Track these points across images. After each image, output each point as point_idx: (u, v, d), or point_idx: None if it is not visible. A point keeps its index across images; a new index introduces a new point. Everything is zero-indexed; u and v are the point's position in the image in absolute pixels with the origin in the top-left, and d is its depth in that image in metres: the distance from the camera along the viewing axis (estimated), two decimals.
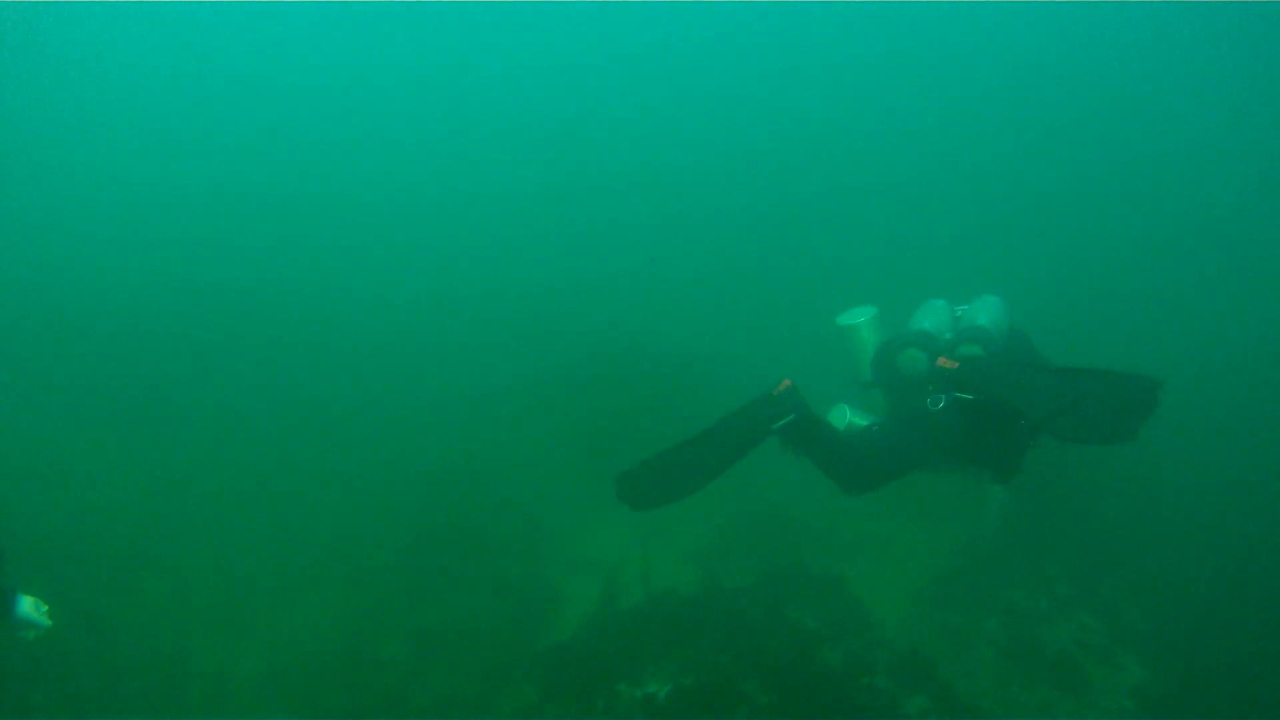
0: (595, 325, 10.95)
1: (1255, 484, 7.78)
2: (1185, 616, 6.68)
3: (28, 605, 3.59)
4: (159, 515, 7.38)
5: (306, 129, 18.93)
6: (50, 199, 14.43)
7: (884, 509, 7.97)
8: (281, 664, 6.26)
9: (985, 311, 5.54)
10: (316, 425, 9.05)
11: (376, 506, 7.74)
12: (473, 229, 15.21)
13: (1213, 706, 5.69)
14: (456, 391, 9.85)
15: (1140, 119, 16.38)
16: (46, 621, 3.64)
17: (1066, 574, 7.13)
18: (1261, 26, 15.20)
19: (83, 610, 6.07)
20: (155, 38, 19.11)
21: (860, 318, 5.60)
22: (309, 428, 9.03)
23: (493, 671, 6.02)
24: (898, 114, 18.65)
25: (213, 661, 6.27)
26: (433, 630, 6.40)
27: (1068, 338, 6.35)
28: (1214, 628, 6.53)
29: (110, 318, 10.53)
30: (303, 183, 16.63)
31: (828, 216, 14.90)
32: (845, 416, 5.28)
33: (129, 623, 6.28)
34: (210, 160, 16.65)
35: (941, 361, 4.74)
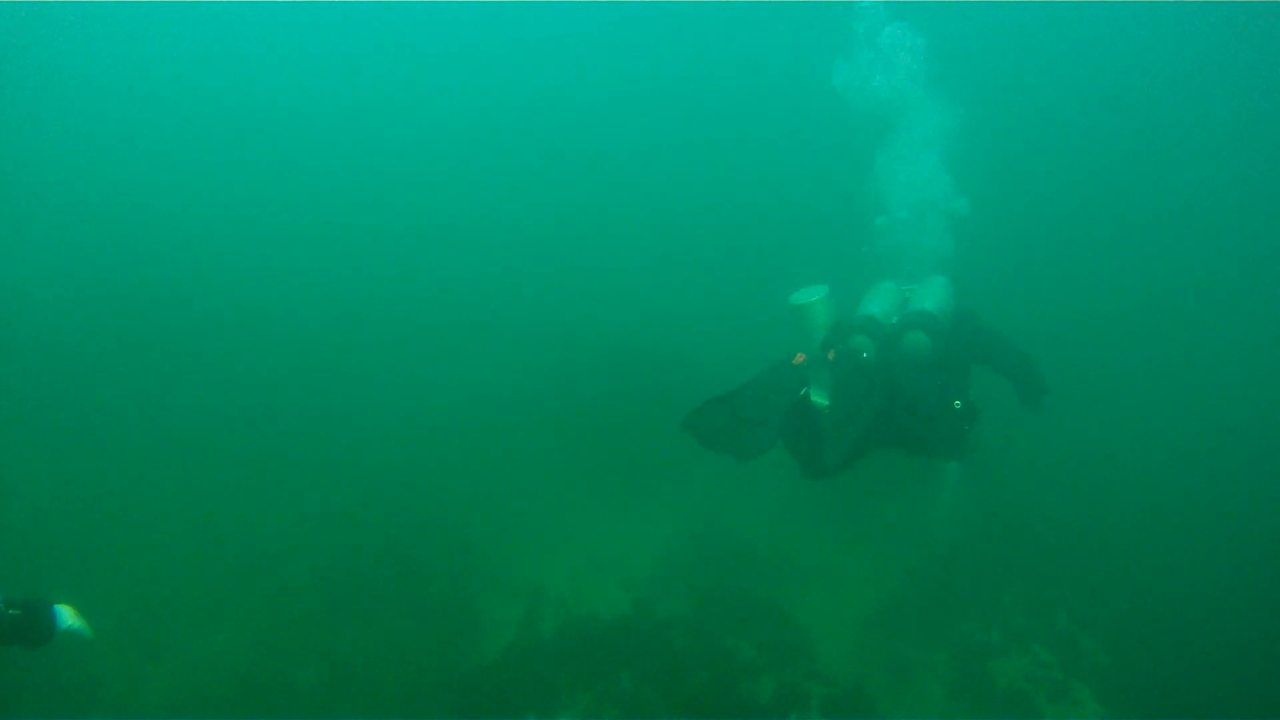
0: (545, 348, 10.64)
1: (1218, 513, 7.46)
2: (1145, 648, 6.33)
3: (68, 616, 3.35)
4: (74, 529, 7.12)
5: (274, 126, 18.00)
6: None
7: (837, 535, 7.69)
8: (192, 687, 5.96)
9: (932, 294, 5.52)
10: (250, 440, 8.77)
11: (303, 525, 7.46)
12: (407, 257, 14.37)
13: None
14: (395, 409, 9.56)
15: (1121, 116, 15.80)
16: (89, 631, 3.41)
17: (1021, 604, 6.80)
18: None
19: None
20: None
21: (813, 297, 5.64)
22: (243, 443, 8.75)
23: (408, 698, 5.73)
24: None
25: (119, 684, 5.97)
26: (350, 655, 6.10)
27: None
28: (1175, 661, 6.17)
29: (43, 324, 10.29)
30: (257, 182, 15.81)
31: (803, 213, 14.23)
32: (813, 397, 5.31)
33: None
34: (159, 160, 16.04)
35: (830, 355, 5.09)
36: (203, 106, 17.74)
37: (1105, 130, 15.32)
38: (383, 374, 10.35)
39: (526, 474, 8.38)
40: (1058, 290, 11.92)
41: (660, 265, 13.68)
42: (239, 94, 18.50)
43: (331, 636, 6.21)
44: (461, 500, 7.93)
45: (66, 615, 3.40)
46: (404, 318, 11.77)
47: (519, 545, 7.33)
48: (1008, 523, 7.55)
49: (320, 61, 19.85)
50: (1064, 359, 8.14)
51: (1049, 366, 5.83)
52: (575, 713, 5.29)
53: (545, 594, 6.72)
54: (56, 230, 12.60)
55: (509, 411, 9.31)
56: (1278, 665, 5.58)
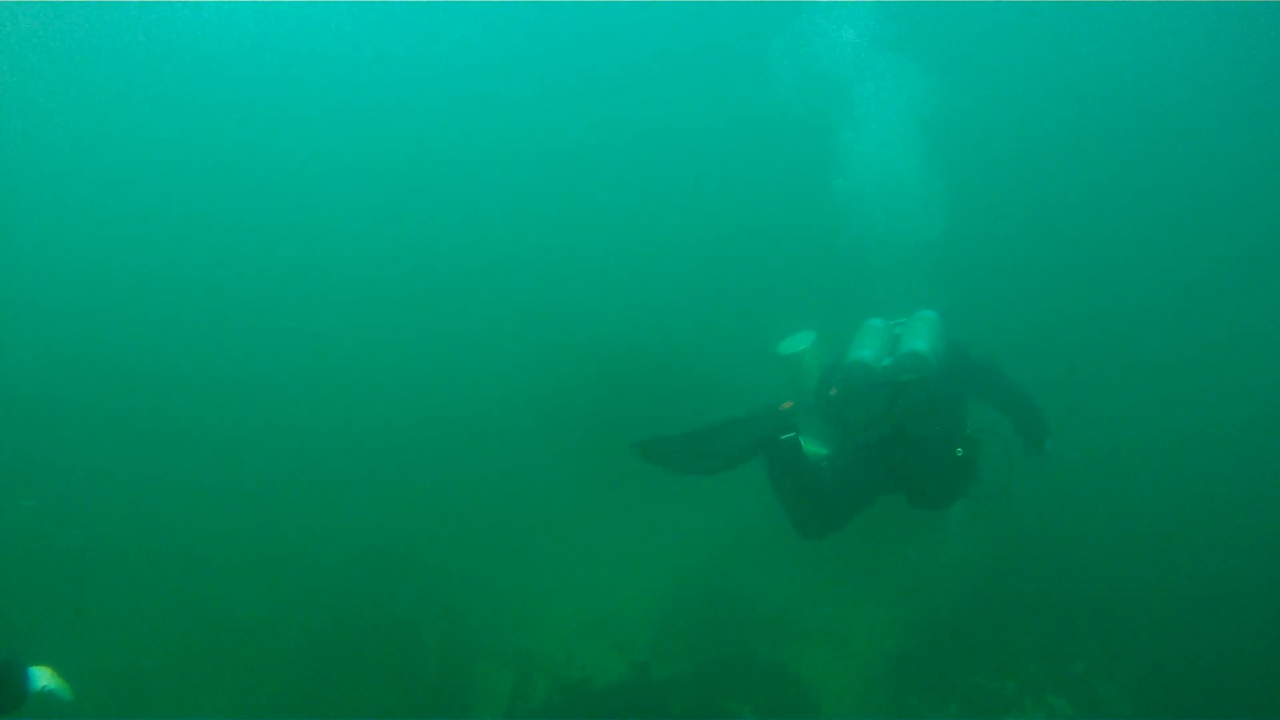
0: (533, 383, 10.44)
1: (1250, 543, 7.15)
2: (1170, 695, 6.03)
3: (44, 677, 3.19)
4: (61, 594, 7.01)
5: (257, 161, 17.67)
6: None
7: (839, 586, 7.44)
8: None
9: (922, 333, 5.32)
10: (242, 497, 8.67)
11: (292, 590, 7.29)
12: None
13: None
14: (388, 466, 9.42)
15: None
16: (68, 693, 3.24)
17: (1034, 652, 6.51)
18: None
19: None
20: None
21: (801, 345, 5.49)
22: (234, 500, 8.64)
23: None
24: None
25: None
26: None
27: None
28: (1205, 709, 5.88)
29: (31, 387, 10.24)
30: (237, 241, 15.33)
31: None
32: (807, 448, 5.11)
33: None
34: (144, 220, 15.70)
35: (833, 392, 4.91)
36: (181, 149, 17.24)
37: (1103, 126, 15.06)
38: (365, 433, 10.18)
39: (516, 531, 8.21)
40: (1053, 292, 11.62)
41: (653, 296, 13.37)
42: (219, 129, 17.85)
43: (320, 708, 6.01)
44: (449, 561, 7.75)
45: (42, 676, 3.23)
46: (384, 372, 11.59)
47: (510, 606, 7.12)
48: (1016, 563, 7.29)
49: (317, 67, 19.18)
50: (1064, 368, 7.91)
51: (1047, 395, 5.64)
52: None
53: (537, 658, 6.48)
54: (44, 295, 12.58)
55: (495, 463, 9.15)
56: None
